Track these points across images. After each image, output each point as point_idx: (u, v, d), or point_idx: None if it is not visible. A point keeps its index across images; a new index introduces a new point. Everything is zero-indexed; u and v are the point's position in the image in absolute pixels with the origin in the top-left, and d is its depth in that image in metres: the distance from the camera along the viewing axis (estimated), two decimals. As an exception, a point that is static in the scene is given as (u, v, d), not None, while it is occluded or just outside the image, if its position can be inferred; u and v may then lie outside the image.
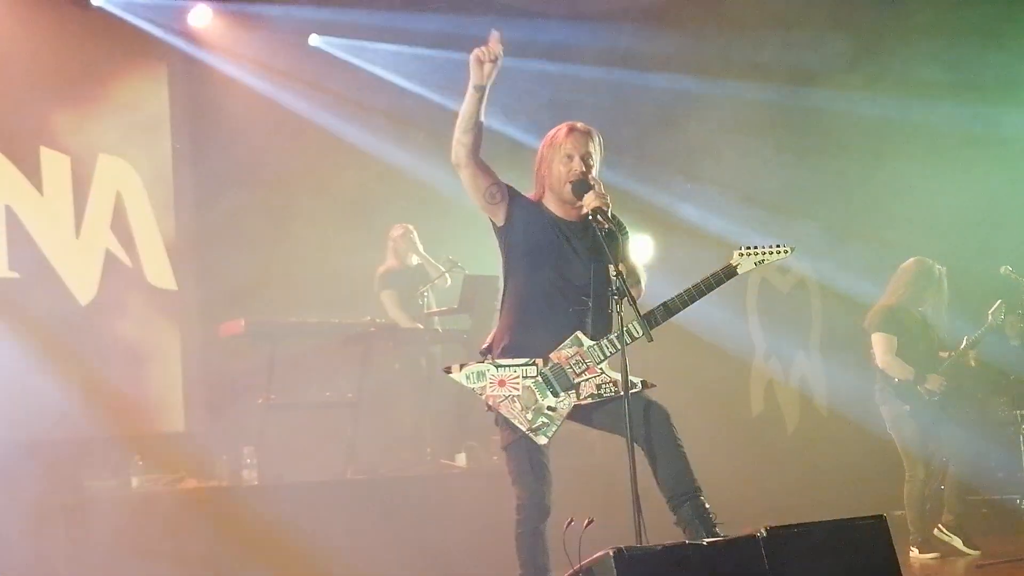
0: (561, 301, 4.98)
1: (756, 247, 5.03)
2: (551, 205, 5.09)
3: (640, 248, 10.05)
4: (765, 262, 5.04)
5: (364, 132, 9.95)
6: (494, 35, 4.81)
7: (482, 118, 4.89)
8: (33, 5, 8.69)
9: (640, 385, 4.81)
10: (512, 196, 5.03)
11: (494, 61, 4.79)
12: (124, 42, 9.20)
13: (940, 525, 8.00)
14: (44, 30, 8.74)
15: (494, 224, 5.07)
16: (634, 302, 4.75)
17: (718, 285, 4.98)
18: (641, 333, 4.81)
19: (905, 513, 7.92)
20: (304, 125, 9.76)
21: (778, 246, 5.05)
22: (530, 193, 5.14)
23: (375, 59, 10.28)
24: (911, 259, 8.17)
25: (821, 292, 11.60)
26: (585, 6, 10.40)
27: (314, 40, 10.16)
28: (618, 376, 4.83)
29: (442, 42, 9.98)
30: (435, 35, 9.90)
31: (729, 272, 4.99)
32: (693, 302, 4.96)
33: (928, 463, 7.95)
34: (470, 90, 4.83)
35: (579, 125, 5.10)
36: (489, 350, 5.05)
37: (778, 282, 11.50)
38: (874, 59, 10.51)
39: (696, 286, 4.96)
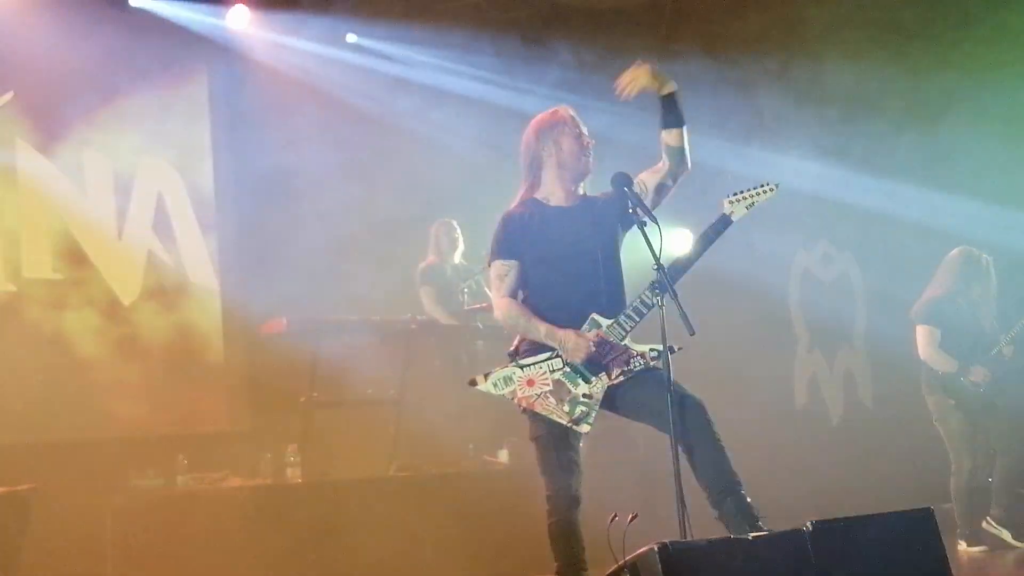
0: (572, 286, 5.01)
1: (742, 191, 5.06)
2: (550, 191, 5.13)
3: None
4: (755, 203, 5.08)
5: (404, 129, 9.94)
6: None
7: None
8: (72, 7, 8.75)
9: (672, 350, 4.73)
10: (520, 255, 5.06)
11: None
12: (163, 43, 9.24)
13: (988, 518, 7.92)
14: (83, 32, 8.78)
15: None
16: (677, 298, 4.69)
17: (717, 237, 5.00)
18: (654, 301, 4.76)
19: (952, 506, 7.85)
20: (344, 123, 9.77)
21: (763, 185, 5.09)
22: (519, 194, 5.18)
23: (413, 57, 10.28)
24: (956, 249, 8.10)
25: (865, 283, 11.50)
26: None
27: (351, 38, 10.18)
28: (644, 348, 4.91)
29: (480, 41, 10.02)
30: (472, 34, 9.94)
31: (725, 221, 5.03)
32: (698, 258, 4.97)
33: (975, 455, 7.88)
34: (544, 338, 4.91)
35: (567, 106, 5.22)
36: (516, 352, 5.06)
37: (821, 273, 11.41)
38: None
39: (698, 242, 4.99)
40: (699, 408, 4.84)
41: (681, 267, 4.93)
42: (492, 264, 5.13)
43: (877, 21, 10.36)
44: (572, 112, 5.18)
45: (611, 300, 5.01)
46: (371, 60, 10.20)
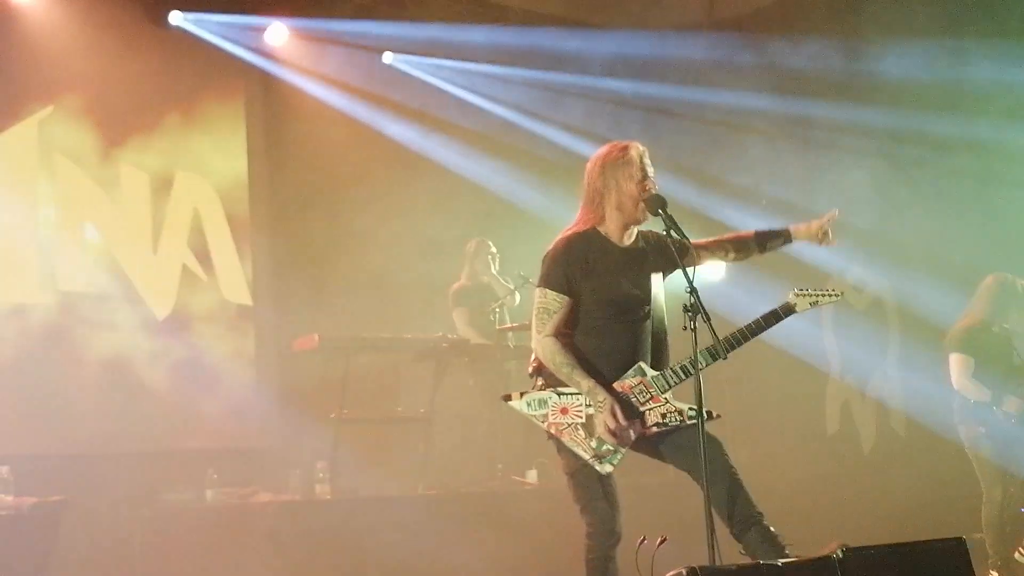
0: (622, 328, 4.93)
1: (809, 289, 5.14)
2: (610, 228, 5.00)
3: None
4: (819, 304, 5.15)
5: (439, 147, 10.00)
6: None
7: None
8: (112, 25, 8.84)
9: (708, 415, 4.75)
10: (574, 292, 4.93)
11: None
12: (201, 61, 9.33)
13: (1021, 548, 7.84)
14: (122, 49, 8.89)
15: None
16: (709, 320, 4.69)
17: (777, 322, 5.04)
18: (705, 364, 4.80)
19: (984, 536, 7.78)
20: (379, 141, 9.82)
21: (831, 291, 5.21)
22: (582, 220, 5.03)
23: (448, 76, 10.33)
24: (990, 276, 8.04)
25: (899, 311, 11.43)
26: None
27: (387, 58, 10.23)
28: (683, 406, 4.84)
29: (515, 59, 10.04)
30: (507, 51, 9.96)
31: (787, 310, 5.06)
32: (754, 337, 4.98)
33: (1006, 485, 7.82)
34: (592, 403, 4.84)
35: (640, 144, 5.06)
36: (539, 372, 5.00)
37: (854, 300, 11.35)
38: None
39: (756, 322, 5.00)
40: (717, 446, 4.83)
41: (736, 341, 4.93)
42: (542, 291, 4.95)
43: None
44: (641, 151, 5.02)
45: (657, 350, 4.98)
46: (407, 80, 10.25)
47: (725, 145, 10.58)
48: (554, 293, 4.91)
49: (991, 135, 9.99)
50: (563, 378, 4.87)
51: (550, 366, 4.89)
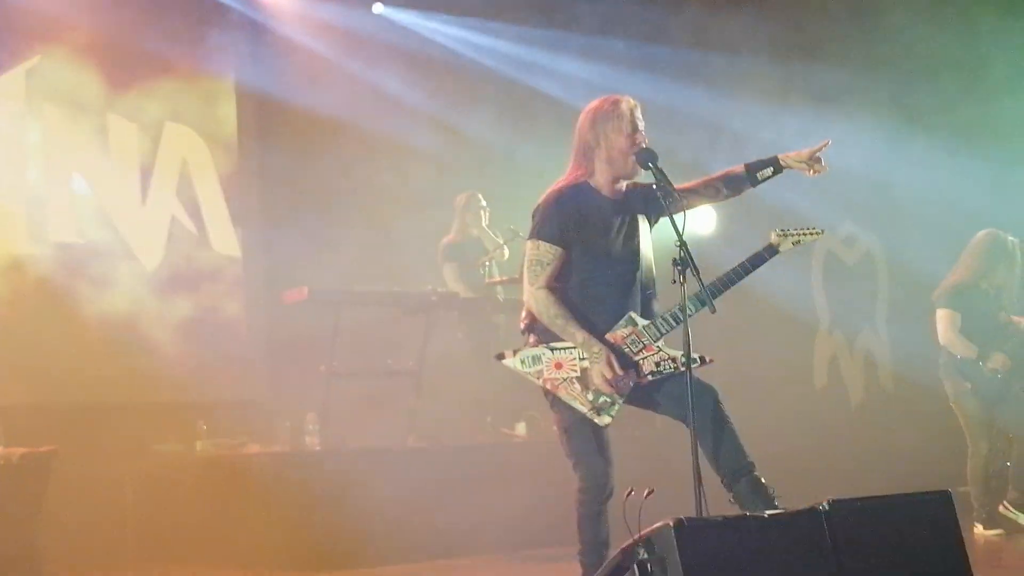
0: (613, 280, 4.93)
1: (791, 229, 5.09)
2: (600, 181, 4.97)
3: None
4: (801, 242, 5.11)
5: (431, 99, 9.92)
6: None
7: None
8: (101, -27, 8.77)
9: (699, 360, 4.78)
10: (566, 243, 4.89)
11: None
12: (190, 10, 9.26)
13: (1005, 502, 7.91)
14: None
15: None
16: (698, 272, 4.70)
17: (761, 263, 5.01)
18: (695, 310, 4.79)
19: (970, 489, 7.84)
20: (371, 93, 9.76)
21: (811, 229, 5.14)
22: (572, 173, 5.01)
23: (438, 30, 10.27)
24: (983, 231, 8.05)
25: (888, 265, 11.46)
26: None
27: (377, 8, 10.17)
28: (676, 352, 4.83)
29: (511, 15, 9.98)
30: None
31: (772, 251, 5.04)
32: (739, 281, 4.98)
33: (992, 439, 7.88)
34: (586, 355, 4.82)
35: (631, 98, 5.02)
36: (530, 328, 4.98)
37: (844, 254, 11.37)
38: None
39: (742, 265, 4.98)
40: (712, 396, 4.84)
41: (721, 285, 4.93)
42: (535, 243, 4.91)
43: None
44: (633, 104, 4.97)
45: (647, 299, 4.99)
46: (398, 31, 10.18)
47: (729, 99, 10.52)
48: (547, 244, 4.89)
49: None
50: (557, 331, 4.86)
51: (543, 319, 4.88)
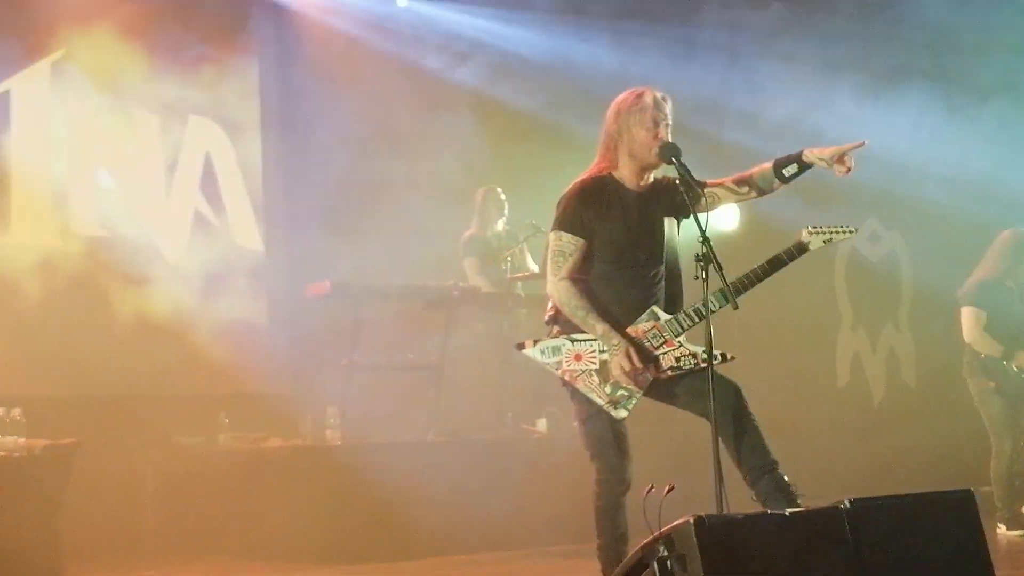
0: (635, 274, 4.92)
1: (823, 226, 5.00)
2: (624, 174, 4.97)
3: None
4: (832, 241, 5.02)
5: (457, 89, 9.90)
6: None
7: None
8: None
9: (720, 357, 4.75)
10: (589, 233, 4.90)
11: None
12: (213, 3, 9.27)
13: (1029, 502, 7.88)
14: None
15: None
16: (721, 269, 4.69)
17: (790, 261, 4.95)
18: (719, 306, 4.77)
19: (992, 489, 7.80)
20: (395, 85, 9.75)
21: (844, 227, 5.04)
22: (597, 165, 5.02)
23: (464, 20, 10.24)
24: (1007, 231, 8.03)
25: (912, 263, 11.40)
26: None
27: (403, 2, 10.15)
28: (697, 348, 4.81)
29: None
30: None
31: (801, 248, 4.96)
32: (765, 278, 4.93)
33: (1015, 439, 7.85)
34: (607, 347, 4.81)
35: (658, 91, 5.00)
36: (554, 320, 4.99)
37: (868, 252, 11.32)
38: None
39: (769, 261, 4.93)
40: (735, 392, 4.83)
41: (748, 282, 4.89)
42: (557, 234, 4.93)
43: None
44: (656, 97, 4.95)
45: (671, 295, 4.98)
46: (424, 21, 10.15)
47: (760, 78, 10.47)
48: (569, 235, 4.90)
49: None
50: (578, 322, 4.86)
51: (565, 310, 4.88)
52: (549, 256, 4.96)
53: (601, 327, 4.81)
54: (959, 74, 10.49)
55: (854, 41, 10.57)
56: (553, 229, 4.97)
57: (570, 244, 4.90)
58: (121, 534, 7.57)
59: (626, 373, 4.76)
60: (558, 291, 4.90)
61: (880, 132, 10.04)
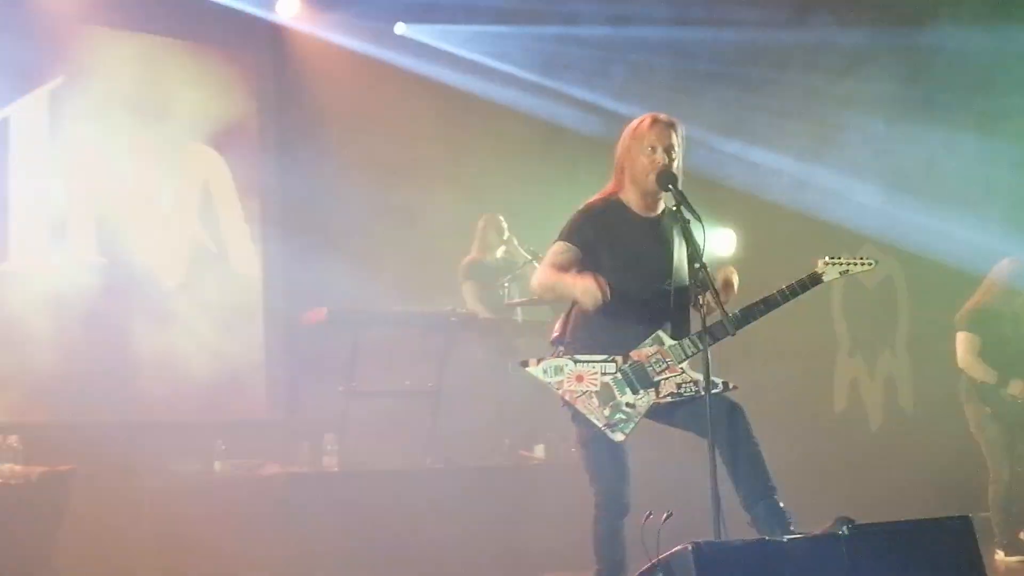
0: (640, 298, 4.94)
1: (840, 257, 5.06)
2: (630, 198, 5.04)
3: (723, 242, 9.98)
4: (849, 272, 5.07)
5: (450, 119, 9.92)
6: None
7: None
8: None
9: (722, 386, 4.77)
10: (583, 245, 4.96)
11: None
12: (211, 31, 9.31)
13: (1027, 528, 7.87)
14: (131, 20, 8.89)
15: None
16: (718, 296, 4.71)
17: (802, 292, 4.99)
18: (722, 336, 4.78)
19: (990, 515, 7.79)
20: (391, 114, 9.78)
21: (862, 258, 5.10)
22: (606, 188, 5.10)
23: (462, 43, 10.28)
24: (1005, 259, 8.04)
25: (909, 289, 11.42)
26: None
27: (400, 29, 10.19)
28: (699, 376, 4.80)
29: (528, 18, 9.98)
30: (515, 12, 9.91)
31: (815, 279, 5.02)
32: (776, 307, 4.95)
33: (1013, 465, 7.85)
34: (576, 296, 4.82)
35: (662, 116, 5.05)
36: (560, 341, 5.03)
37: (864, 277, 11.33)
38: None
39: (780, 291, 4.96)
40: (740, 415, 4.84)
41: (759, 311, 4.92)
42: (555, 244, 5.02)
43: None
44: (661, 122, 5.01)
45: (677, 322, 4.99)
46: (421, 50, 10.20)
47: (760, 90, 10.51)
48: (565, 243, 4.98)
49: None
50: (548, 290, 4.94)
51: (540, 288, 5.00)
52: (544, 262, 5.09)
53: (568, 277, 4.85)
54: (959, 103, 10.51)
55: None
56: (554, 241, 5.06)
57: (563, 250, 4.98)
58: (117, 562, 7.52)
59: (591, 292, 4.74)
60: (535, 276, 5.07)
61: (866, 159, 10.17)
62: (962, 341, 7.90)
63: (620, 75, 10.26)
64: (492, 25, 10.11)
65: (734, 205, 10.25)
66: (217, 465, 7.99)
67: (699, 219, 4.85)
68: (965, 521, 4.40)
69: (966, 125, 10.11)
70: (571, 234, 4.99)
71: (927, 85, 10.26)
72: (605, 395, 4.85)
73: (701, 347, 4.77)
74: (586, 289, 4.77)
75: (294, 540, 7.15)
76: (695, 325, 4.97)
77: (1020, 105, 9.93)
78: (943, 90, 10.20)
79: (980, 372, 7.80)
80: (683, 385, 4.88)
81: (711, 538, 4.32)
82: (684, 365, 4.89)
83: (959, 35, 9.78)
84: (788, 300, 4.96)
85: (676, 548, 3.99)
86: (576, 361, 4.91)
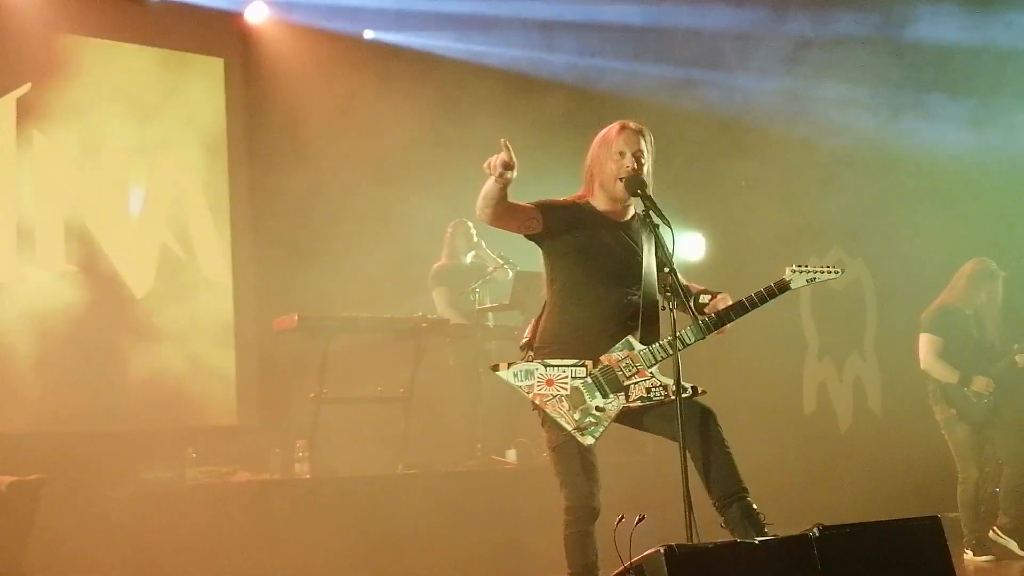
0: (610, 302, 4.96)
1: (807, 266, 5.09)
2: (599, 203, 5.07)
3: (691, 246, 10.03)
4: (816, 280, 5.09)
5: (418, 125, 9.92)
6: (505, 146, 4.67)
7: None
8: (91, 0, 8.79)
9: (691, 391, 4.79)
10: (546, 209, 4.97)
11: (510, 168, 4.67)
12: (180, 37, 9.29)
13: (995, 527, 7.93)
14: (101, 26, 8.84)
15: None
16: (688, 301, 4.74)
17: (771, 299, 5.00)
18: (693, 340, 4.82)
19: (959, 515, 7.85)
20: (360, 120, 9.77)
21: (829, 266, 5.14)
22: (576, 193, 5.12)
23: (429, 47, 10.30)
24: (973, 259, 8.11)
25: (876, 291, 11.49)
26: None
27: (369, 35, 10.19)
28: (668, 380, 4.83)
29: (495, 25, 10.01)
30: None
31: (782, 286, 5.02)
32: (744, 314, 4.97)
33: (981, 465, 7.91)
34: (491, 183, 4.73)
35: (631, 123, 5.08)
36: (530, 346, 5.05)
37: (833, 280, 11.39)
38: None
39: (749, 298, 4.97)
40: (710, 418, 4.86)
41: (727, 317, 4.93)
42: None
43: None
44: (634, 129, 5.04)
45: (648, 326, 5.00)
46: (391, 53, 10.19)
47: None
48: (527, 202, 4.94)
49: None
50: (482, 203, 4.79)
51: (478, 211, 4.85)
52: None
53: (488, 182, 4.73)
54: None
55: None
56: None
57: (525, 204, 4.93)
58: (88, 570, 7.49)
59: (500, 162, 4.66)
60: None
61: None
62: (924, 343, 7.97)
63: (600, 82, 10.29)
64: (464, 32, 10.13)
65: (703, 209, 10.30)
66: (188, 473, 7.96)
67: (668, 224, 4.89)
68: (934, 521, 4.44)
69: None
70: (540, 201, 4.98)
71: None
72: (575, 399, 4.86)
73: (671, 352, 4.81)
74: (489, 163, 4.69)
75: (266, 547, 7.13)
76: (665, 330, 5.01)
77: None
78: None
79: (942, 372, 7.87)
80: (653, 389, 4.89)
81: (683, 541, 4.34)
82: (654, 369, 4.91)
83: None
84: (756, 307, 4.98)
85: (648, 551, 4.01)
86: (546, 365, 4.92)
